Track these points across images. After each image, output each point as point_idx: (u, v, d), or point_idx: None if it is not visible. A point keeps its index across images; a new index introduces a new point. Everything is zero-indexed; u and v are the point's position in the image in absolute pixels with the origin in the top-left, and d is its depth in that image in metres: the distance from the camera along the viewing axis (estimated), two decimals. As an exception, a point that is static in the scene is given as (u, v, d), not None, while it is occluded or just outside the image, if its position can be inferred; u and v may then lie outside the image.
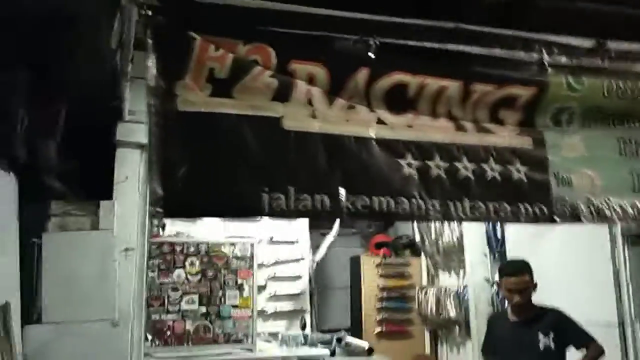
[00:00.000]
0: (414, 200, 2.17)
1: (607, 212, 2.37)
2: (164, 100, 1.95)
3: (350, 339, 5.41)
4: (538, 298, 5.15)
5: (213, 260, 4.70)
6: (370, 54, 2.17)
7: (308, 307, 7.54)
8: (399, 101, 2.24)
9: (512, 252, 5.76)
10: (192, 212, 2.45)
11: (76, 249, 3.83)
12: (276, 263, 7.37)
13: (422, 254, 7.97)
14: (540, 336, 3.89)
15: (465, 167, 2.26)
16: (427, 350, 7.97)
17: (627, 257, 4.64)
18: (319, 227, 7.87)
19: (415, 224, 7.77)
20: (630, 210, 2.41)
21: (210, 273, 4.66)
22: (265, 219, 6.16)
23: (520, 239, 5.64)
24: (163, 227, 5.68)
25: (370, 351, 5.19)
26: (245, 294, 4.73)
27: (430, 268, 8.01)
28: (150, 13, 1.95)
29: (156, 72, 1.93)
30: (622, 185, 2.44)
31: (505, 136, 2.34)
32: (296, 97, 2.10)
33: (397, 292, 8.23)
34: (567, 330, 3.95)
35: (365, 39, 2.17)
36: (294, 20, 2.12)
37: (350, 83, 2.18)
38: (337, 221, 7.48)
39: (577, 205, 2.35)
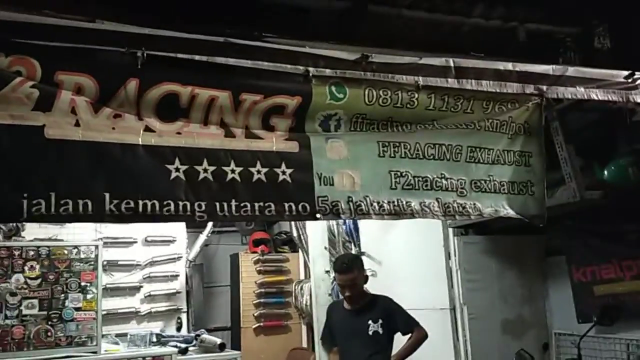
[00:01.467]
0: (179, 202, 2.34)
1: (365, 208, 2.65)
2: None
3: (205, 336, 5.55)
4: (384, 284, 5.54)
5: (54, 263, 4.69)
6: (139, 65, 2.31)
7: (185, 307, 7.56)
8: (170, 110, 2.40)
9: (366, 244, 6.12)
10: None
11: None
12: (152, 263, 7.37)
13: (299, 249, 8.18)
14: (370, 322, 4.23)
15: (232, 170, 2.46)
16: (304, 343, 8.22)
17: (456, 247, 5.06)
18: (195, 226, 7.94)
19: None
20: (386, 206, 2.71)
21: (51, 277, 4.65)
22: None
23: (372, 232, 6.01)
24: (14, 233, 5.59)
25: (222, 346, 5.35)
26: (90, 296, 4.74)
27: (307, 262, 8.25)
28: None
29: None
30: (380, 183, 2.73)
31: (273, 141, 2.56)
32: (59, 106, 2.21)
33: (275, 287, 8.45)
34: (394, 318, 4.31)
35: (134, 51, 2.30)
36: (59, 34, 2.21)
37: (120, 93, 2.32)
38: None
39: (337, 203, 2.61)
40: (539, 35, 3.58)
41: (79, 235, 5.87)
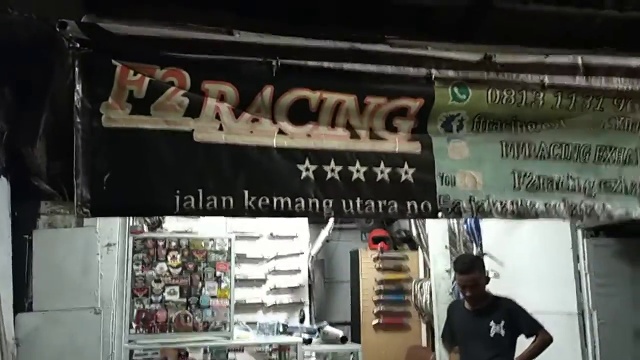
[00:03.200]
0: (309, 199, 2.53)
1: (487, 208, 2.69)
2: (91, 119, 2.35)
3: (328, 328, 5.78)
4: (507, 286, 5.47)
5: (193, 254, 5.13)
6: (273, 73, 2.52)
7: (307, 300, 7.88)
8: (301, 114, 2.59)
9: (488, 245, 6.06)
10: (114, 212, 2.86)
11: (63, 244, 4.28)
12: (277, 257, 7.77)
13: (419, 248, 8.22)
14: (492, 324, 4.23)
15: (357, 170, 2.61)
16: (424, 341, 8.24)
17: (585, 250, 4.89)
18: (317, 222, 8.24)
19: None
20: (509, 206, 2.73)
21: (190, 266, 5.09)
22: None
23: (495, 232, 5.94)
24: (157, 225, 6.15)
25: (344, 339, 5.54)
26: (224, 285, 5.13)
27: (427, 261, 8.27)
28: (78, 45, 2.35)
29: (82, 95, 2.33)
30: (503, 184, 2.75)
31: (396, 142, 2.68)
32: (205, 112, 2.47)
33: (395, 285, 8.56)
34: (517, 320, 4.27)
35: (269, 61, 2.52)
36: (204, 47, 2.49)
37: (257, 99, 2.55)
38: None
39: (459, 202, 2.68)
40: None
41: (210, 228, 6.34)
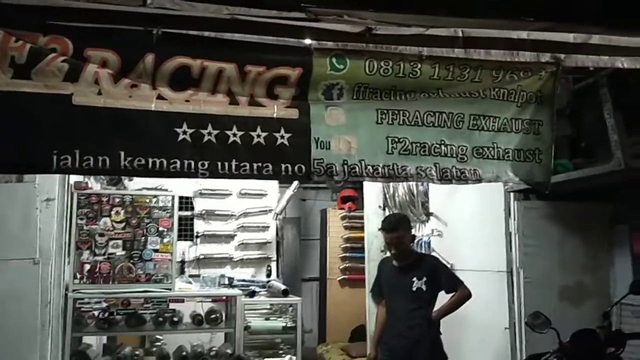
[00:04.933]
0: (185, 160, 2.71)
1: (359, 171, 2.86)
2: (-28, 83, 2.51)
3: (273, 282, 6.02)
4: (448, 245, 5.68)
5: (137, 210, 5.34)
6: (154, 41, 2.66)
7: (274, 256, 8.11)
8: (182, 81, 2.74)
9: (435, 206, 6.25)
10: None
11: (3, 198, 4.48)
12: (245, 214, 7.97)
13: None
14: (415, 279, 4.46)
15: (234, 134, 2.77)
16: (386, 296, 8.47)
17: (516, 211, 5.06)
18: (285, 182, 8.40)
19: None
20: (381, 170, 2.90)
21: (133, 221, 5.31)
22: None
23: (441, 194, 6.12)
24: (117, 182, 6.35)
25: (285, 292, 5.78)
26: (166, 240, 5.36)
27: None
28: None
29: (-37, 60, 2.49)
30: (377, 148, 2.92)
31: (274, 108, 2.83)
32: (84, 77, 2.63)
33: (361, 243, 8.73)
34: (438, 276, 4.50)
35: (150, 30, 2.66)
36: (87, 15, 2.62)
37: (139, 66, 2.69)
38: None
39: (332, 165, 2.85)
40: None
41: (181, 186, 6.53)
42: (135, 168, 2.64)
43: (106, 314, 5.11)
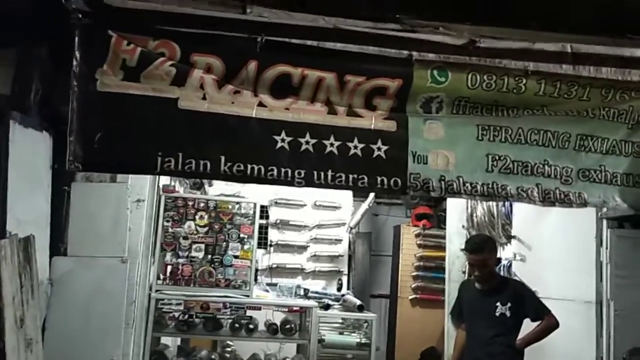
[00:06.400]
0: (282, 168, 2.72)
1: (456, 188, 2.78)
2: (87, 83, 2.62)
3: (348, 297, 5.95)
4: (532, 270, 5.47)
5: (219, 215, 5.43)
6: (257, 49, 2.70)
7: (345, 270, 8.07)
8: (283, 88, 2.77)
9: (518, 228, 6.05)
10: (102, 168, 3.16)
11: (97, 197, 4.63)
12: (319, 226, 7.98)
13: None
14: (498, 304, 4.30)
15: (331, 144, 2.76)
16: (459, 320, 8.26)
17: (608, 240, 4.82)
18: (361, 196, 8.37)
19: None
20: (479, 188, 2.80)
21: (216, 226, 5.40)
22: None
23: (526, 216, 5.91)
24: (199, 187, 6.49)
25: (360, 307, 5.71)
26: (246, 247, 5.41)
27: (467, 241, 8.19)
28: (80, 16, 2.61)
29: (80, 61, 2.60)
30: (476, 165, 2.82)
31: (372, 120, 2.80)
32: (190, 82, 2.69)
33: (435, 262, 8.58)
34: (524, 302, 4.32)
35: (254, 37, 2.70)
36: (195, 21, 2.69)
37: (242, 73, 2.74)
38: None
39: (429, 180, 2.78)
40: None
41: (258, 194, 6.61)
42: (234, 173, 2.68)
43: (186, 316, 5.20)
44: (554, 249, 5.40)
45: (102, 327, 4.44)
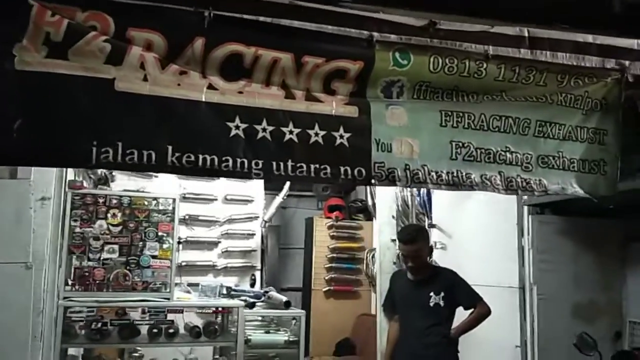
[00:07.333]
0: (238, 158, 2.43)
1: (422, 177, 2.63)
2: (2, 60, 2.19)
3: (273, 294, 5.72)
4: (454, 258, 5.49)
5: (135, 213, 4.98)
6: (205, 24, 2.38)
7: (259, 265, 7.83)
8: (234, 69, 2.47)
9: (438, 217, 6.08)
10: (26, 161, 2.72)
11: (-6, 195, 4.10)
12: (230, 221, 7.66)
13: (373, 218, 8.21)
14: (432, 294, 4.24)
15: (290, 132, 2.51)
16: (373, 310, 8.31)
17: (530, 226, 4.92)
18: (272, 188, 8.15)
19: (369, 189, 8.07)
20: (444, 176, 2.67)
21: (131, 225, 4.95)
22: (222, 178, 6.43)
23: (445, 205, 5.94)
24: (103, 182, 5.97)
25: (287, 304, 5.51)
26: (166, 246, 5.01)
27: (379, 231, 8.18)
28: (-9, -19, 2.17)
29: (-6, 35, 2.16)
30: (440, 153, 2.69)
31: (333, 105, 2.58)
32: (129, 61, 2.33)
33: (347, 253, 8.60)
34: (457, 291, 4.30)
35: (201, 11, 2.38)
36: (132, -9, 2.33)
37: (187, 51, 2.41)
38: (287, 183, 7.78)
39: (394, 170, 2.61)
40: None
41: (164, 189, 6.21)
42: (183, 165, 2.35)
43: (99, 324, 4.72)
44: (475, 236, 5.47)
45: (6, 342, 3.92)
